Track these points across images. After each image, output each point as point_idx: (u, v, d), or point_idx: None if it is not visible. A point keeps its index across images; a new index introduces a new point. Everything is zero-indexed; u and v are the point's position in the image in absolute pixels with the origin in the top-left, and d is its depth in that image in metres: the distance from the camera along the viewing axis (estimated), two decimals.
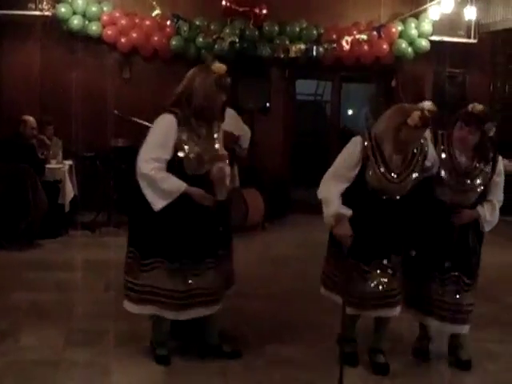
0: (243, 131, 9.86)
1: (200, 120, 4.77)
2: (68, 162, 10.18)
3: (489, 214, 4.97)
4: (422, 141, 4.78)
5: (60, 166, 9.84)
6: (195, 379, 4.75)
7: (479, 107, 4.91)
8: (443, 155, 4.94)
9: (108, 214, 10.05)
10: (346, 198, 4.72)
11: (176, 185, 4.65)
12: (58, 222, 9.39)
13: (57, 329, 5.59)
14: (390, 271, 4.83)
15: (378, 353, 5.07)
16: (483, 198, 4.99)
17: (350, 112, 17.45)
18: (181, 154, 4.68)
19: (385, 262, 4.82)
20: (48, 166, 9.50)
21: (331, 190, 4.73)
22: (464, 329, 5.07)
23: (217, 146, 4.90)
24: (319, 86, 16.41)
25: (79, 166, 10.62)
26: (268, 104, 11.10)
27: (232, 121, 9.80)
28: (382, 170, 4.69)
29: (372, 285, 4.79)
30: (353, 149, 4.83)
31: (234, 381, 4.79)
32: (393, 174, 4.71)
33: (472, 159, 4.94)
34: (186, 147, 4.69)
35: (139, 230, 4.86)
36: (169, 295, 4.76)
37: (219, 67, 4.74)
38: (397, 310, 4.89)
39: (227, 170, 4.95)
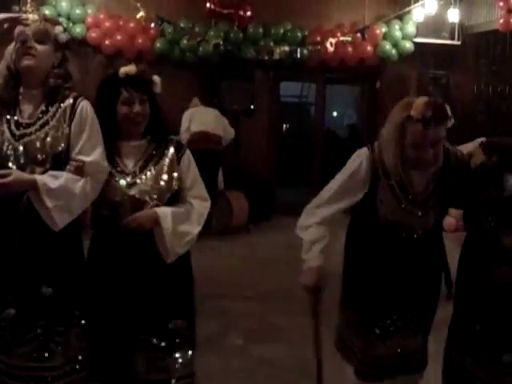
0: (225, 131, 9.95)
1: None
2: None
3: None
4: (449, 148, 3.41)
5: None
6: None
7: None
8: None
9: None
10: (355, 233, 3.72)
11: None
12: None
13: None
14: (413, 328, 3.64)
15: None
16: None
17: (334, 114, 17.50)
18: None
19: (407, 317, 3.62)
20: None
21: (311, 232, 3.58)
22: None
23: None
24: (304, 88, 16.44)
25: None
26: (252, 106, 11.10)
27: (214, 121, 9.90)
28: (397, 192, 3.41)
29: (388, 347, 3.61)
30: (358, 162, 3.49)
31: (218, 382, 4.79)
32: (411, 201, 3.42)
33: None
34: None
35: None
36: None
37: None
38: (417, 379, 3.79)
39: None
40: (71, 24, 10.87)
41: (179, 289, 3.50)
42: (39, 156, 3.17)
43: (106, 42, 10.91)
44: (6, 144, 3.16)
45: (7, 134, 3.18)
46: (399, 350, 3.61)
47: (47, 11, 10.60)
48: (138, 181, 3.37)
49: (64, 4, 10.79)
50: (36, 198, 3.11)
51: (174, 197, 3.45)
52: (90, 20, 10.93)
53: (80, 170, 3.20)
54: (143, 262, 3.38)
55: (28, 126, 3.21)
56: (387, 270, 3.55)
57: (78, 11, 10.91)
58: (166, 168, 3.43)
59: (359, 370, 3.67)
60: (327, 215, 3.55)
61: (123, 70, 3.46)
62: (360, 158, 3.49)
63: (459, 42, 11.68)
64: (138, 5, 10.83)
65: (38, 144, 3.18)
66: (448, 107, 3.24)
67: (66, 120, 3.25)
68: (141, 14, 10.88)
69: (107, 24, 10.93)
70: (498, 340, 3.34)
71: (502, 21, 10.01)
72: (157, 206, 3.36)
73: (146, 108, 3.45)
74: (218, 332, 5.69)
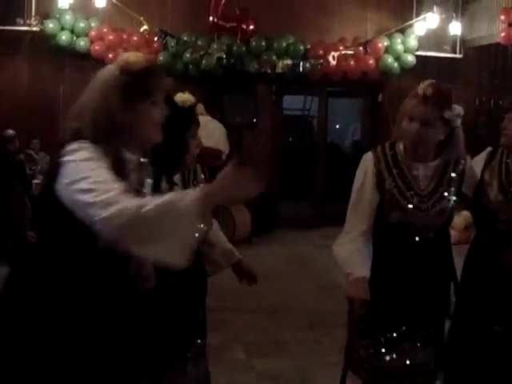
0: (225, 147, 10.02)
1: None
2: None
3: None
4: (457, 149, 3.53)
5: None
6: None
7: None
8: None
9: None
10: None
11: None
12: None
13: None
14: (421, 341, 3.52)
15: None
16: None
17: (337, 127, 17.50)
18: None
19: (415, 329, 3.50)
20: (35, 181, 9.48)
21: (347, 246, 3.47)
22: None
23: None
24: (306, 101, 16.46)
25: None
26: (255, 119, 11.12)
27: (221, 136, 9.93)
28: (401, 187, 3.39)
29: (396, 357, 3.50)
30: (363, 170, 3.50)
31: None
32: (417, 197, 3.39)
33: None
34: None
35: None
36: None
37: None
38: None
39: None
40: (75, 37, 10.94)
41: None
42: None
43: (110, 56, 10.94)
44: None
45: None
46: (408, 362, 3.48)
47: (51, 24, 10.68)
48: None
49: (68, 17, 10.84)
50: None
51: None
52: (93, 33, 10.98)
53: None
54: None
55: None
56: (397, 277, 3.44)
57: (81, 24, 10.96)
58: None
59: (368, 381, 3.55)
60: (357, 235, 3.46)
61: (189, 102, 3.37)
62: (364, 164, 3.50)
63: (461, 56, 11.75)
64: (142, 18, 10.90)
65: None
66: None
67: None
68: (144, 27, 10.94)
69: (111, 37, 10.98)
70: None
71: (503, 34, 10.06)
72: None
73: None
74: (220, 345, 5.67)
